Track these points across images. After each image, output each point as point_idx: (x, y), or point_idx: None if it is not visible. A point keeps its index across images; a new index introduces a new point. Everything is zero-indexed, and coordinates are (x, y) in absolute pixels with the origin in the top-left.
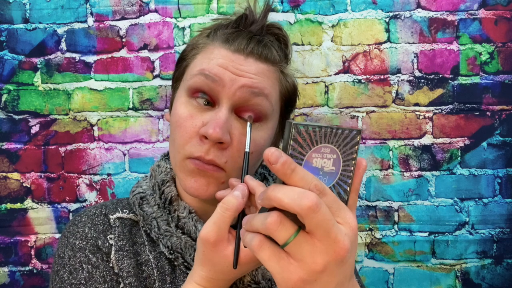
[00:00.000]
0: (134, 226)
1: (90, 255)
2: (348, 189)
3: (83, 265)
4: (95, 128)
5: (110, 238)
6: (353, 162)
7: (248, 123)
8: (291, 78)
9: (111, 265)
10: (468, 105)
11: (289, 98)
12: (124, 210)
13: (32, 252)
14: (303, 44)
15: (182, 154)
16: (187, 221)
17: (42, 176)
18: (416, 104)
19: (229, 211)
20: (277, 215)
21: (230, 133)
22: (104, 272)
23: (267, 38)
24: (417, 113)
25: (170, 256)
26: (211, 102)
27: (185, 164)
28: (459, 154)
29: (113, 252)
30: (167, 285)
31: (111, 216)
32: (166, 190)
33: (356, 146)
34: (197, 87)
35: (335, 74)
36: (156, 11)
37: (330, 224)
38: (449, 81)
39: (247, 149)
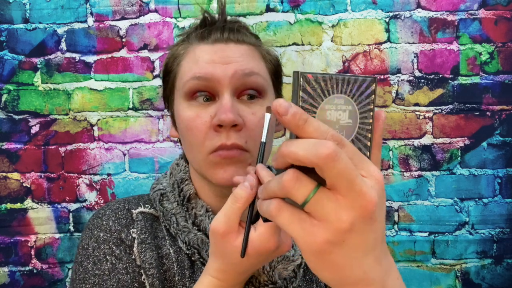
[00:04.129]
0: (155, 221)
1: (114, 247)
2: (369, 143)
3: (107, 257)
4: (95, 128)
5: (133, 232)
6: (371, 113)
7: (267, 114)
8: (272, 52)
9: (133, 257)
10: (468, 105)
11: (276, 70)
12: (146, 205)
13: (32, 252)
14: (303, 44)
15: (203, 153)
16: (203, 219)
17: (42, 176)
18: (416, 104)
19: (238, 202)
20: (293, 172)
21: (240, 115)
22: (127, 264)
23: (235, 25)
24: (417, 113)
25: (188, 252)
26: (210, 97)
27: (209, 159)
28: (459, 154)
29: (135, 245)
30: (186, 279)
31: (133, 211)
32: (184, 188)
33: (373, 96)
34: (194, 90)
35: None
36: (156, 11)
37: (353, 174)
38: (449, 81)
39: (263, 139)
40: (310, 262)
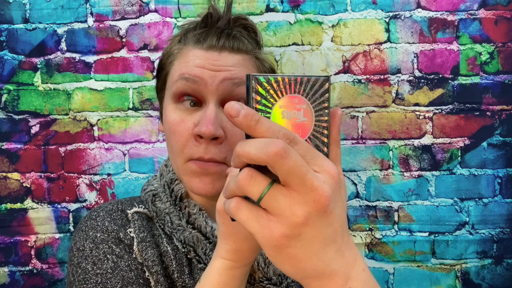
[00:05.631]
0: (149, 221)
1: (113, 246)
2: (326, 140)
3: (107, 256)
4: (95, 128)
5: (130, 231)
6: (326, 111)
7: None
8: (267, 62)
9: (134, 256)
10: (468, 105)
11: None
12: (140, 206)
13: (32, 252)
14: (303, 44)
15: (182, 158)
16: (197, 217)
17: (42, 176)
18: (416, 104)
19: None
20: (247, 170)
21: (222, 127)
22: (129, 262)
23: (235, 30)
24: (417, 113)
25: (184, 250)
26: (197, 103)
27: (187, 166)
28: (459, 154)
29: (135, 244)
30: (186, 276)
31: (128, 211)
32: (175, 188)
33: (326, 94)
34: (181, 92)
35: (335, 74)
36: (156, 11)
37: (304, 170)
38: (449, 81)
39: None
40: (270, 257)
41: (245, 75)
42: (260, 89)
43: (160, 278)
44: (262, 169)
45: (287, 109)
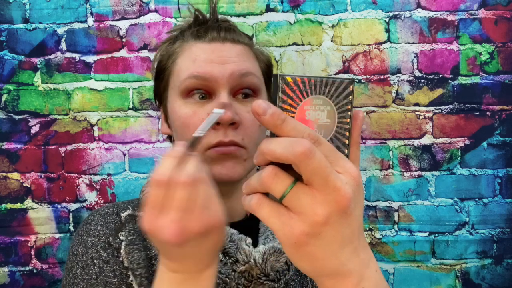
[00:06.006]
0: None
1: (101, 251)
2: (347, 142)
3: (95, 261)
4: (95, 128)
5: (121, 235)
6: (349, 113)
7: (218, 110)
8: (264, 51)
9: (121, 259)
10: (468, 105)
11: (268, 70)
12: (135, 208)
13: (32, 252)
14: (303, 44)
15: (201, 149)
16: None
17: (42, 176)
18: (416, 104)
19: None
20: (271, 168)
21: (236, 113)
22: (115, 267)
23: (230, 25)
24: (417, 113)
25: None
26: (206, 95)
27: (206, 155)
28: (459, 154)
29: (123, 247)
30: None
31: (122, 214)
32: None
33: (350, 97)
34: (191, 88)
35: (335, 74)
36: (156, 11)
37: (327, 171)
38: (449, 81)
39: (199, 134)
40: (289, 253)
41: (272, 74)
42: (287, 89)
43: (143, 281)
44: (284, 167)
45: (311, 109)
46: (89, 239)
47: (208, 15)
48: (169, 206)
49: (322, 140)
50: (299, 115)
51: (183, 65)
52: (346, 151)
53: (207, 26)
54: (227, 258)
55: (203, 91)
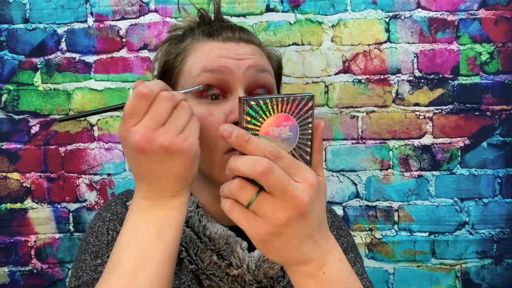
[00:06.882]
0: None
1: (117, 225)
2: (309, 150)
3: (109, 231)
4: (95, 128)
5: None
6: (310, 125)
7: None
8: (276, 52)
9: None
10: (468, 105)
11: (279, 70)
12: None
13: (32, 252)
14: (303, 44)
15: (216, 152)
16: (192, 215)
17: (42, 176)
18: (416, 104)
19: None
20: (238, 181)
21: None
22: None
23: (241, 26)
24: (417, 113)
25: None
26: (219, 95)
27: (224, 159)
28: (459, 154)
29: None
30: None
31: (127, 203)
32: None
33: (310, 111)
34: (206, 84)
35: (335, 74)
36: (156, 11)
37: (285, 183)
38: (449, 81)
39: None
40: (259, 248)
41: (238, 98)
42: (250, 111)
43: None
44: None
45: (274, 126)
46: (108, 215)
47: (212, 16)
48: (145, 116)
49: (283, 155)
50: (263, 132)
51: (195, 61)
52: (308, 158)
53: (220, 25)
54: (221, 260)
55: (218, 90)
